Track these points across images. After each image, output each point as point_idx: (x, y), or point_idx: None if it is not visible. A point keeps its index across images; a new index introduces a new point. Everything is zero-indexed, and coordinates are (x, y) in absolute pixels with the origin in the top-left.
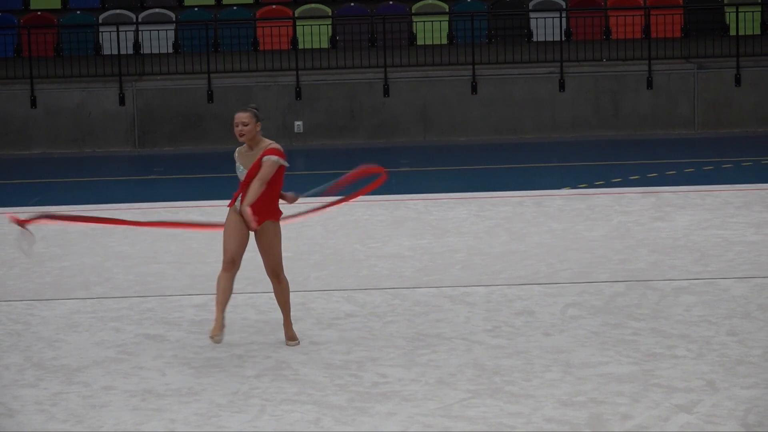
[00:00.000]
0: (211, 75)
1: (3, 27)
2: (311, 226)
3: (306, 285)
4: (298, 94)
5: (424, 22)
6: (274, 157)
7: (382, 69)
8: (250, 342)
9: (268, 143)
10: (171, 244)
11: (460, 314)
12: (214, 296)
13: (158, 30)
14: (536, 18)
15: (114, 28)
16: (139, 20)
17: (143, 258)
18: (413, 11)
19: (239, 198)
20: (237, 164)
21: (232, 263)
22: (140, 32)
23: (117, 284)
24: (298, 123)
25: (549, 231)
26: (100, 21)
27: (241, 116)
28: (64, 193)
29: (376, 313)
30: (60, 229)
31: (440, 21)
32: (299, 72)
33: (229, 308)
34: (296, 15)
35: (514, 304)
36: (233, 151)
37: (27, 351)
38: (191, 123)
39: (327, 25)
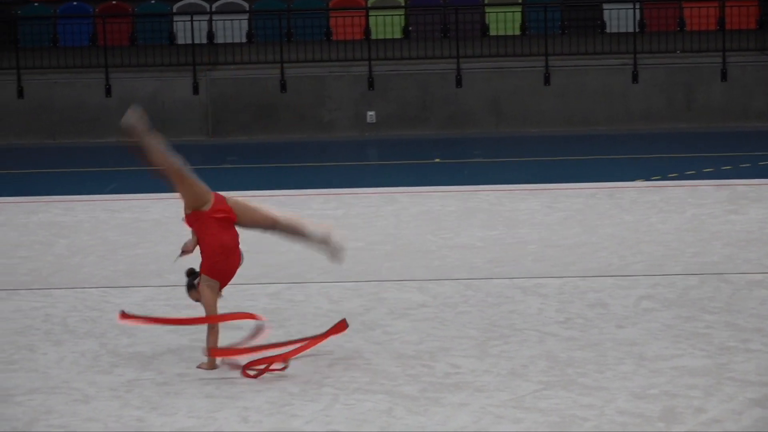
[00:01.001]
0: (284, 65)
1: (79, 16)
2: (383, 217)
3: (378, 275)
4: (371, 85)
5: (497, 12)
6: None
7: (455, 59)
8: (323, 331)
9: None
10: (244, 233)
11: (532, 306)
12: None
13: (232, 20)
14: (610, 9)
15: (188, 18)
16: (213, 10)
17: None
18: (486, 1)
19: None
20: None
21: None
22: (214, 22)
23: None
24: (371, 113)
25: (622, 223)
26: (175, 10)
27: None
28: (137, 181)
29: (448, 304)
30: (134, 217)
31: (513, 12)
32: (372, 62)
33: (301, 297)
34: (369, 5)
35: (586, 295)
36: (306, 141)
37: (102, 338)
38: (264, 112)
39: (400, 15)
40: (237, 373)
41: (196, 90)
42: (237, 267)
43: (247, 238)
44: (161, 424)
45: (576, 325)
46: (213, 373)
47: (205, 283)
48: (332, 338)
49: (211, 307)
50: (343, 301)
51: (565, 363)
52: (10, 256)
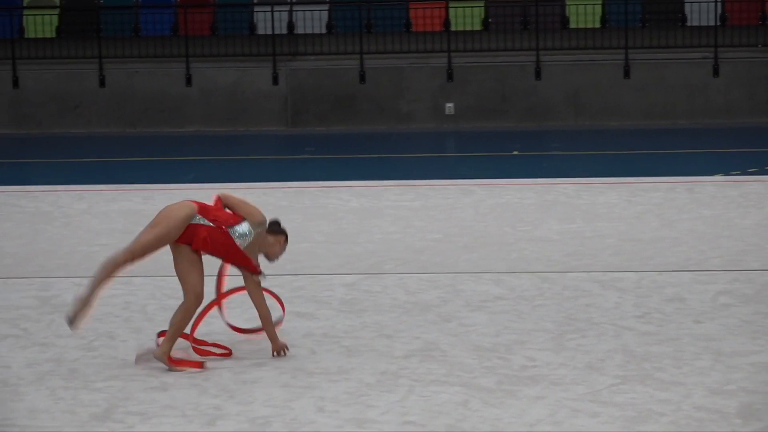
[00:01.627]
0: (364, 56)
1: (161, 6)
2: (461, 209)
3: (455, 267)
4: (450, 76)
5: (577, 5)
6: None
7: (534, 52)
8: (399, 323)
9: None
10: (322, 224)
11: (609, 299)
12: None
13: (312, 10)
14: (691, 2)
15: (269, 8)
16: (294, 0)
17: (294, 236)
18: None
19: (208, 221)
20: (252, 230)
21: (134, 263)
22: (294, 12)
23: (268, 262)
24: (449, 105)
25: (700, 218)
26: (255, 1)
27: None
28: (217, 170)
29: (525, 297)
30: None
31: (594, 4)
32: (451, 54)
33: (378, 288)
34: None
35: (664, 290)
36: (384, 132)
37: None
38: (343, 103)
39: (480, 7)
40: (313, 363)
41: (275, 80)
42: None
43: (325, 229)
44: (237, 412)
45: (653, 319)
46: (289, 363)
47: (252, 281)
48: (409, 329)
49: (263, 305)
50: (419, 292)
51: (642, 357)
52: (91, 243)
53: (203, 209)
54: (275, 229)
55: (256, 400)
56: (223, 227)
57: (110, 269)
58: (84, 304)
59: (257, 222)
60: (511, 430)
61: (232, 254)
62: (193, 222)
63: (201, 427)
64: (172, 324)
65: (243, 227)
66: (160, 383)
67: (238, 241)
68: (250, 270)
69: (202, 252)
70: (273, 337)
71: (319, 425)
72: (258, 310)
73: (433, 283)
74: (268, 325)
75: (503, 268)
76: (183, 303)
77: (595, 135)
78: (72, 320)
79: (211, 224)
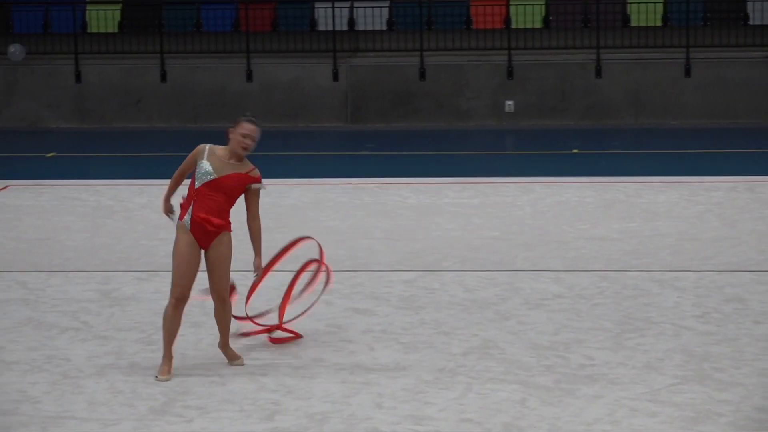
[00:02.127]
0: (424, 53)
1: (222, 2)
2: (520, 207)
3: (514, 265)
4: (510, 74)
5: (638, 3)
6: (263, 187)
7: (595, 50)
8: (457, 320)
9: (250, 164)
10: (381, 220)
11: (668, 299)
12: (163, 331)
13: (373, 7)
14: (753, 1)
15: (329, 5)
16: None
17: (354, 233)
18: None
19: (191, 210)
20: (203, 162)
21: (183, 300)
22: (355, 9)
23: (327, 258)
24: (509, 102)
25: (761, 218)
26: None
27: (254, 130)
28: (276, 166)
29: (583, 295)
30: (273, 202)
31: (655, 3)
32: (511, 51)
33: (436, 285)
34: None
35: (724, 290)
36: (444, 129)
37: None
38: (403, 100)
39: (540, 4)
40: (372, 360)
41: (335, 77)
42: None
43: (384, 226)
44: (296, 407)
45: (712, 319)
46: (348, 359)
47: (253, 191)
48: (467, 326)
49: (257, 218)
50: (478, 290)
51: (701, 357)
52: (151, 238)
53: (181, 213)
54: (231, 125)
55: (314, 396)
56: (195, 192)
57: (169, 322)
58: (167, 359)
59: (198, 153)
60: (568, 429)
61: (228, 190)
62: (189, 228)
63: (259, 422)
64: (219, 324)
65: (199, 169)
66: (218, 377)
67: (208, 178)
68: (250, 180)
69: (224, 220)
70: (258, 252)
71: (376, 422)
72: (251, 223)
73: (491, 281)
74: (256, 242)
75: (562, 267)
76: (214, 310)
77: (656, 134)
78: (162, 379)
79: (192, 207)
